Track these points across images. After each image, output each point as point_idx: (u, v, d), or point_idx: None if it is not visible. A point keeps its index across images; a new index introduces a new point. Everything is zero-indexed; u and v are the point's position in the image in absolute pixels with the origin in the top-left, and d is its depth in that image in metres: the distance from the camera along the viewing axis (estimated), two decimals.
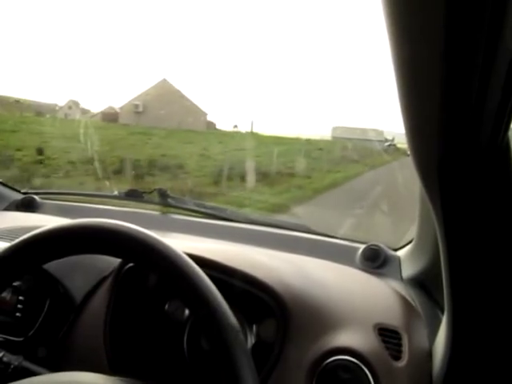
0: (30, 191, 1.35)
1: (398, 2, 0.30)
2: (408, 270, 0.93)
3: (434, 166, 0.42)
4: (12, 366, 0.66)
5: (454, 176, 0.42)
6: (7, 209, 1.28)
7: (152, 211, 1.25)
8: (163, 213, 1.23)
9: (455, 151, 0.40)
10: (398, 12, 0.30)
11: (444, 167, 0.41)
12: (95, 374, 0.51)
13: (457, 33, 0.29)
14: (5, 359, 0.66)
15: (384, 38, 0.33)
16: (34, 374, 0.66)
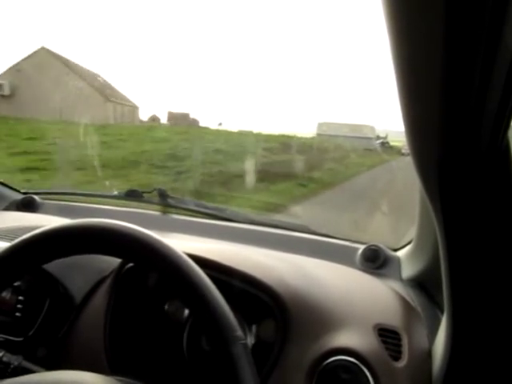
0: (29, 191, 1.35)
1: (398, 2, 0.30)
2: (408, 271, 0.93)
3: (434, 166, 0.42)
4: (12, 366, 0.66)
5: (454, 177, 0.42)
6: (7, 209, 1.28)
7: (152, 211, 1.25)
8: (163, 213, 1.23)
9: (455, 152, 0.40)
10: (397, 13, 0.30)
11: (444, 168, 0.41)
12: (90, 373, 0.51)
13: (457, 33, 0.29)
14: (4, 359, 0.66)
15: (384, 38, 0.33)
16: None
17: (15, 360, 0.66)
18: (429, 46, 0.31)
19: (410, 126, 0.40)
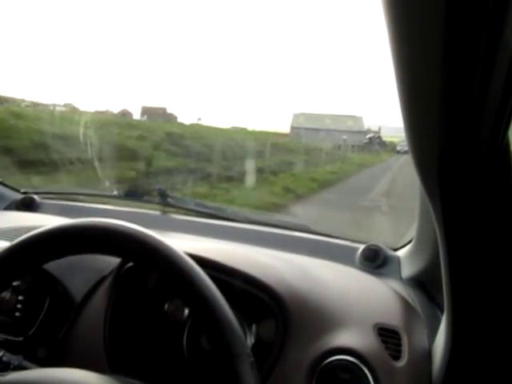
0: (29, 191, 1.35)
1: (399, 2, 0.30)
2: (408, 270, 0.93)
3: (434, 165, 0.42)
4: (11, 366, 0.66)
5: (453, 175, 0.42)
6: (7, 208, 1.28)
7: (152, 211, 1.25)
8: (163, 212, 1.23)
9: (455, 150, 0.40)
10: (397, 11, 0.30)
11: (444, 167, 0.41)
12: (91, 372, 0.51)
13: (457, 32, 0.29)
14: (4, 359, 0.66)
15: (384, 37, 0.33)
16: None
17: (15, 360, 0.66)
18: (429, 45, 0.31)
19: (410, 125, 0.40)
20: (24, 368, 0.67)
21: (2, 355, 0.66)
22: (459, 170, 0.41)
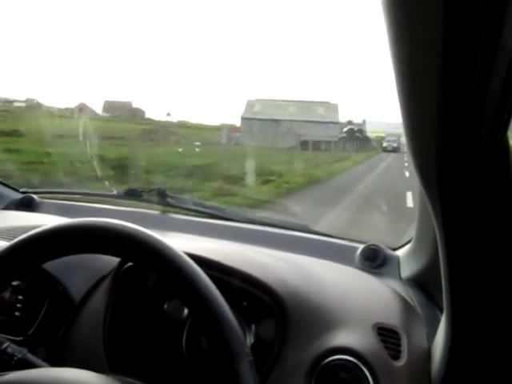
0: (28, 190, 1.35)
1: (398, 3, 0.30)
2: (407, 270, 0.93)
3: (434, 165, 0.42)
4: (15, 358, 0.65)
5: (453, 175, 0.42)
6: (6, 208, 1.28)
7: (151, 211, 1.25)
8: (162, 212, 1.23)
9: (454, 151, 0.40)
10: (397, 14, 0.30)
11: (443, 166, 0.41)
12: (90, 372, 0.51)
13: (456, 34, 0.29)
14: (9, 350, 0.65)
15: (383, 40, 0.33)
16: (36, 368, 0.66)
17: (19, 352, 0.65)
18: (428, 47, 0.31)
19: (409, 126, 0.40)
20: (27, 361, 0.66)
21: (7, 346, 0.65)
22: (459, 170, 0.41)
